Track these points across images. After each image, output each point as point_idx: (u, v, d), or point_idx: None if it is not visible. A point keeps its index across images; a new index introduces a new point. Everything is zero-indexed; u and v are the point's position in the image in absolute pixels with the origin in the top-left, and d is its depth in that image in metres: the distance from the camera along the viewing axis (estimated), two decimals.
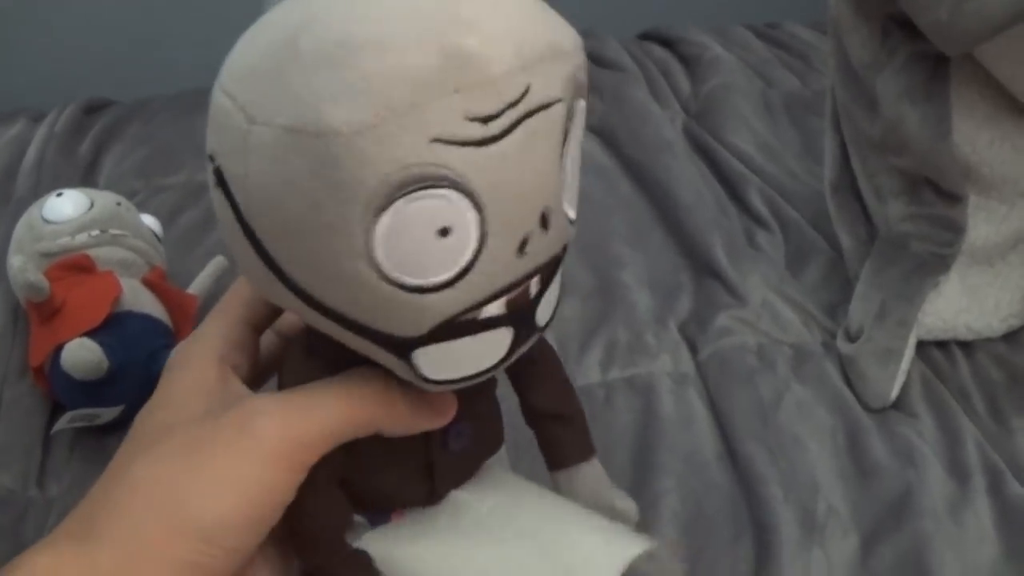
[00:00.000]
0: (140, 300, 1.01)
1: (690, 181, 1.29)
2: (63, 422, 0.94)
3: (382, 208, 0.40)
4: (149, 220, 1.14)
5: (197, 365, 0.54)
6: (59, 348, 0.94)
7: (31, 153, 1.45)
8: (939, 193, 0.98)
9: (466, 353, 0.46)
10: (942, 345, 1.03)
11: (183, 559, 0.47)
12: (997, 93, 0.93)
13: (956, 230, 0.98)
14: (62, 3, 1.95)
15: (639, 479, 0.89)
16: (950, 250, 0.98)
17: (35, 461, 0.96)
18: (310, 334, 0.52)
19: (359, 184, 0.39)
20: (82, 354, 0.91)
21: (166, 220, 1.22)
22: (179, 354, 0.56)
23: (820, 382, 0.98)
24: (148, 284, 1.04)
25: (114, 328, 0.96)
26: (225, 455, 0.48)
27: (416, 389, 0.50)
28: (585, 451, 0.60)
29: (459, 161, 0.40)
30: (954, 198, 0.97)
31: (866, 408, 0.96)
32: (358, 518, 0.56)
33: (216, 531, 0.48)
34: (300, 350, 0.55)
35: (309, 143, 0.39)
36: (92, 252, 1.03)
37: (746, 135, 1.39)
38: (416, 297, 0.42)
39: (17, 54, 1.92)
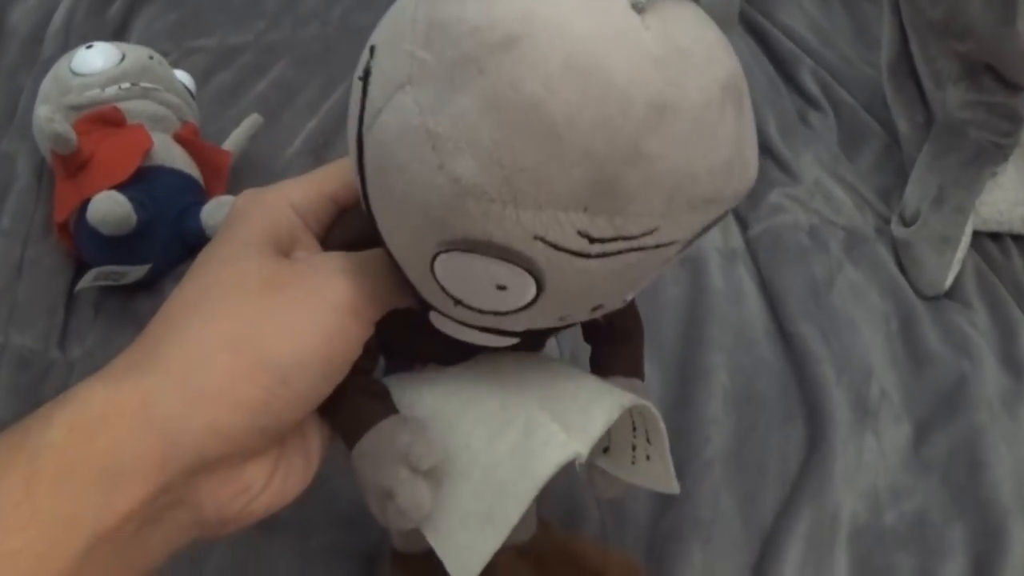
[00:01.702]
0: (171, 155, 0.98)
1: (740, 56, 1.24)
2: (87, 279, 0.91)
3: (455, 248, 0.41)
4: (182, 75, 1.10)
5: (271, 208, 0.54)
6: (85, 203, 0.91)
7: (59, 15, 1.41)
8: (1000, 81, 0.96)
9: (472, 336, 0.51)
10: (996, 237, 1.01)
11: (254, 397, 0.47)
12: None
13: (1015, 120, 0.96)
14: None
15: (688, 352, 0.87)
16: (1009, 140, 0.96)
17: (57, 321, 0.93)
18: None
19: (450, 227, 0.40)
20: (110, 207, 0.88)
21: (199, 80, 1.18)
22: (250, 196, 0.56)
23: (873, 266, 0.96)
24: (180, 140, 1.01)
25: (143, 183, 0.93)
26: (302, 301, 0.49)
27: None
28: (628, 369, 0.59)
29: (543, 258, 0.41)
30: (1015, 87, 0.95)
31: (919, 295, 0.94)
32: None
33: (292, 370, 0.48)
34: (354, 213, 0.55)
35: (434, 163, 0.39)
36: (122, 105, 1.00)
37: (799, 16, 1.36)
38: (454, 303, 0.46)
39: None
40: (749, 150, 0.43)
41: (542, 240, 0.39)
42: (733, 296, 0.93)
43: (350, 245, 0.53)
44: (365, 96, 0.42)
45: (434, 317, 0.50)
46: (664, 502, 0.76)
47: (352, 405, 0.52)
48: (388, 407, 0.53)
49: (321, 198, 0.55)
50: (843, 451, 0.80)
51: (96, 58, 1.02)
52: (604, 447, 0.58)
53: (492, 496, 0.49)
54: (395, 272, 0.50)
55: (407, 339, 0.55)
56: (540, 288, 0.42)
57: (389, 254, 0.48)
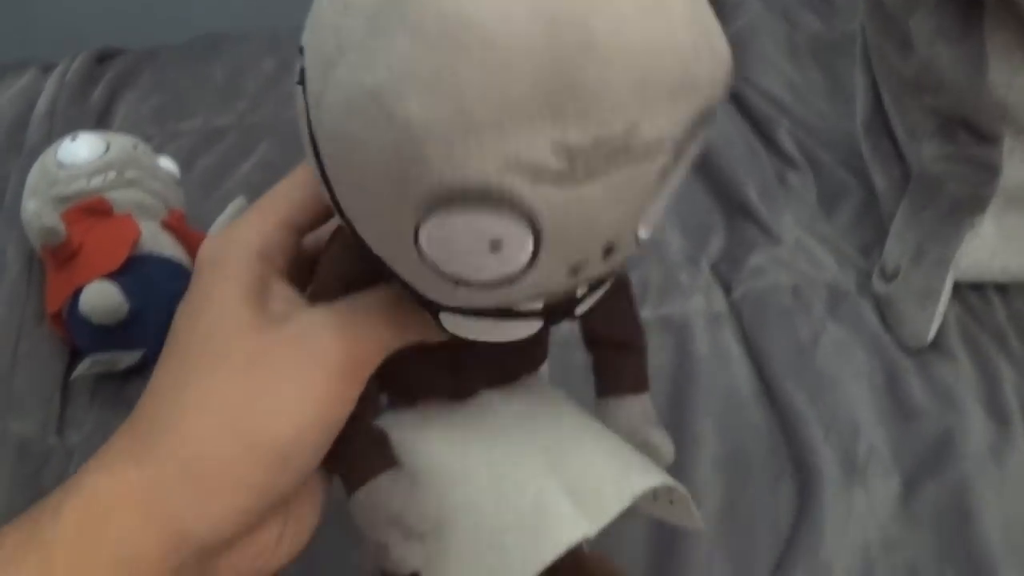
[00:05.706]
0: (159, 243, 0.99)
1: (719, 121, 1.26)
2: (82, 368, 0.92)
3: (433, 210, 0.37)
4: (166, 162, 1.11)
5: (235, 265, 0.51)
6: (77, 293, 0.92)
7: (42, 102, 1.42)
8: (974, 133, 0.96)
9: (492, 329, 0.46)
10: (978, 288, 1.01)
11: (258, 480, 0.46)
12: None
13: (991, 171, 0.96)
14: None
15: (676, 419, 0.87)
16: (986, 190, 0.96)
17: (55, 409, 0.94)
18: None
19: (416, 181, 0.36)
20: (101, 297, 0.89)
21: (183, 165, 1.19)
22: (213, 252, 0.52)
23: (856, 322, 0.97)
24: (167, 227, 1.02)
25: (133, 271, 0.94)
26: (294, 373, 0.47)
27: None
28: (637, 384, 0.59)
29: (528, 190, 0.36)
30: (989, 139, 0.95)
31: (903, 349, 0.94)
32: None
33: (292, 449, 0.47)
34: (341, 243, 0.52)
35: (381, 118, 0.35)
36: (109, 195, 1.01)
37: (774, 76, 1.37)
38: (454, 285, 0.41)
39: (25, 4, 1.90)
40: (715, 36, 0.39)
41: (517, 165, 0.35)
42: (719, 360, 0.93)
43: (347, 282, 0.51)
44: (306, 94, 0.40)
45: (446, 319, 0.46)
46: (657, 564, 0.77)
47: (350, 454, 0.51)
48: (386, 457, 0.51)
49: (278, 231, 0.53)
50: (833, 507, 0.80)
51: (81, 149, 1.03)
52: None
53: (497, 561, 0.49)
54: (393, 308, 0.49)
55: (409, 376, 0.54)
56: (537, 235, 0.38)
57: (381, 264, 0.44)
